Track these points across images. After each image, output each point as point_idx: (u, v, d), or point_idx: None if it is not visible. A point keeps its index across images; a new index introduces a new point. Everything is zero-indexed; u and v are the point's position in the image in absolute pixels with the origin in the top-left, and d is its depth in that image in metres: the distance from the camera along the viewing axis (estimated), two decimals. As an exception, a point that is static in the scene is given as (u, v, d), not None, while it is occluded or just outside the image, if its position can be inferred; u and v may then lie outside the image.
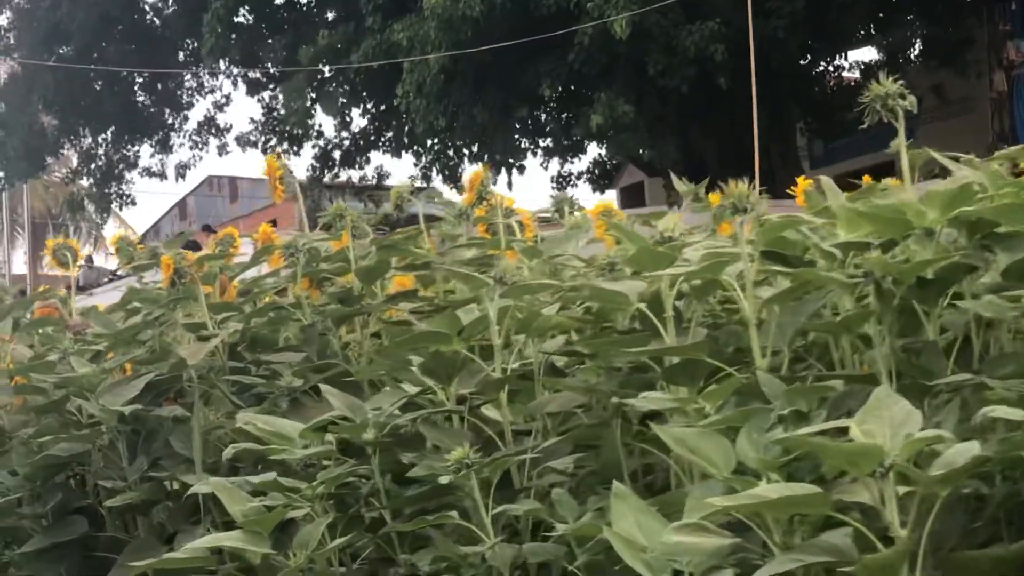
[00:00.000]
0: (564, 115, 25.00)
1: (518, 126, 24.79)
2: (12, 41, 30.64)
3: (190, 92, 32.56)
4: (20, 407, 4.45)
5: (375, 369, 3.27)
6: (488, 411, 3.07)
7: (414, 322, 4.04)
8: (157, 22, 31.15)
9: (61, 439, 3.86)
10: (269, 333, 4.15)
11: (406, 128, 27.92)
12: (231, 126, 33.11)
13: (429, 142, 24.64)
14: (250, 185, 50.53)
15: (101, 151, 31.94)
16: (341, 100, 26.26)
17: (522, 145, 25.43)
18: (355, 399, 3.05)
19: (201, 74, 32.04)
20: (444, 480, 2.67)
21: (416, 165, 30.86)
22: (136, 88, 31.81)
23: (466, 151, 24.83)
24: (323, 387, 3.10)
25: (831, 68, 28.61)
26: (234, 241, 4.43)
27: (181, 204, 49.11)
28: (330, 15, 27.53)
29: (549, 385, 2.98)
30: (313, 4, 28.15)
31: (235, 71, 30.70)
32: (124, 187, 31.64)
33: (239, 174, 50.70)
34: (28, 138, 28.87)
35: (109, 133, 31.60)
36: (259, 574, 2.88)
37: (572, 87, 23.51)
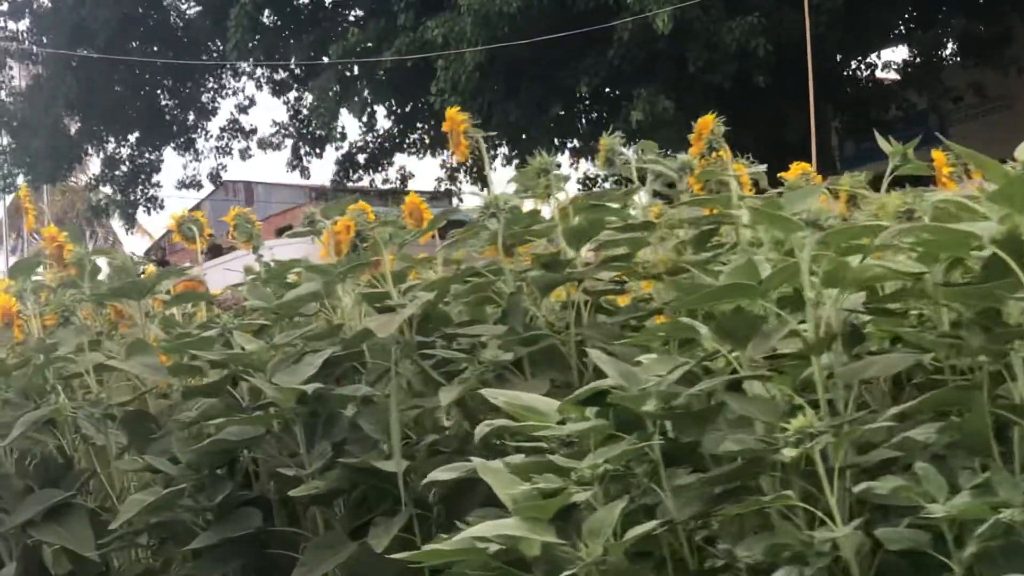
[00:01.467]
0: (598, 114, 24.56)
1: (553, 125, 24.33)
2: (34, 44, 30.21)
3: (212, 95, 32.12)
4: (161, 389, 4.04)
5: (657, 331, 2.83)
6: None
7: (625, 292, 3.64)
8: (180, 23, 30.72)
9: (233, 422, 3.44)
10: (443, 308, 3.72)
11: (432, 129, 27.52)
12: (255, 128, 32.55)
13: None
14: (265, 190, 50.20)
15: (124, 154, 31.48)
16: (368, 99, 25.77)
17: (556, 144, 24.99)
18: (628, 367, 2.62)
19: (224, 76, 31.61)
20: (778, 456, 2.24)
21: (442, 167, 30.51)
22: (160, 91, 31.38)
23: (498, 151, 24.39)
24: (593, 352, 2.67)
25: (863, 67, 28.16)
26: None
27: (196, 209, 48.64)
28: (356, 13, 27.09)
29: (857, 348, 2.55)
30: (340, 2, 27.72)
31: (259, 72, 30.28)
32: (150, 190, 31.12)
33: (253, 178, 50.43)
34: (53, 140, 28.42)
35: (133, 137, 31.16)
36: (534, 568, 2.45)
37: (610, 84, 23.07)
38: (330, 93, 25.24)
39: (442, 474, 2.71)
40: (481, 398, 3.38)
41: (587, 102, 24.48)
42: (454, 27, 21.65)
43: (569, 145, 25.94)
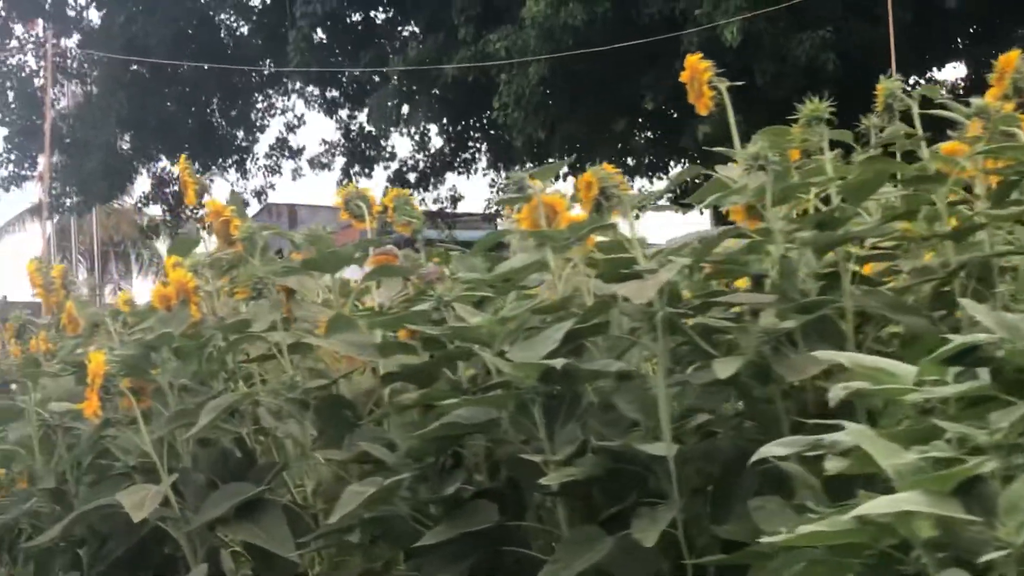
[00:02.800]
0: (662, 130, 24.20)
1: (619, 142, 23.97)
2: (85, 61, 30.02)
3: (261, 114, 31.84)
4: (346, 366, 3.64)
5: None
6: None
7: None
8: (231, 41, 30.48)
9: (466, 403, 3.03)
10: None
11: (489, 146, 27.22)
12: (304, 147, 32.25)
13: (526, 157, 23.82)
14: (309, 212, 49.90)
15: (175, 173, 31.18)
16: (426, 117, 25.45)
17: (622, 160, 24.62)
18: (1010, 318, 2.20)
19: (273, 95, 31.36)
20: None
21: (492, 187, 30.13)
22: (210, 109, 31.13)
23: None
24: (965, 302, 2.26)
25: (924, 82, 27.69)
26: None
27: (240, 232, 48.37)
28: (413, 29, 26.80)
29: None
30: (396, 18, 27.43)
31: (309, 91, 29.99)
32: (200, 210, 30.73)
33: (297, 201, 50.14)
34: (106, 159, 28.14)
35: (183, 155, 30.85)
36: (923, 554, 2.04)
37: (675, 99, 22.68)
38: (388, 105, 24.91)
39: (777, 449, 2.30)
40: (755, 371, 3.00)
41: (651, 117, 24.10)
42: (517, 40, 21.33)
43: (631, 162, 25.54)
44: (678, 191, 10.01)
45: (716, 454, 3.00)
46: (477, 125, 26.53)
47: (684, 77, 3.38)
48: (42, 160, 29.29)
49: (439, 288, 3.35)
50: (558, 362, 2.95)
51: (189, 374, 3.61)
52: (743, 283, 3.29)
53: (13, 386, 3.94)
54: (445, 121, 26.47)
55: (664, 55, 21.11)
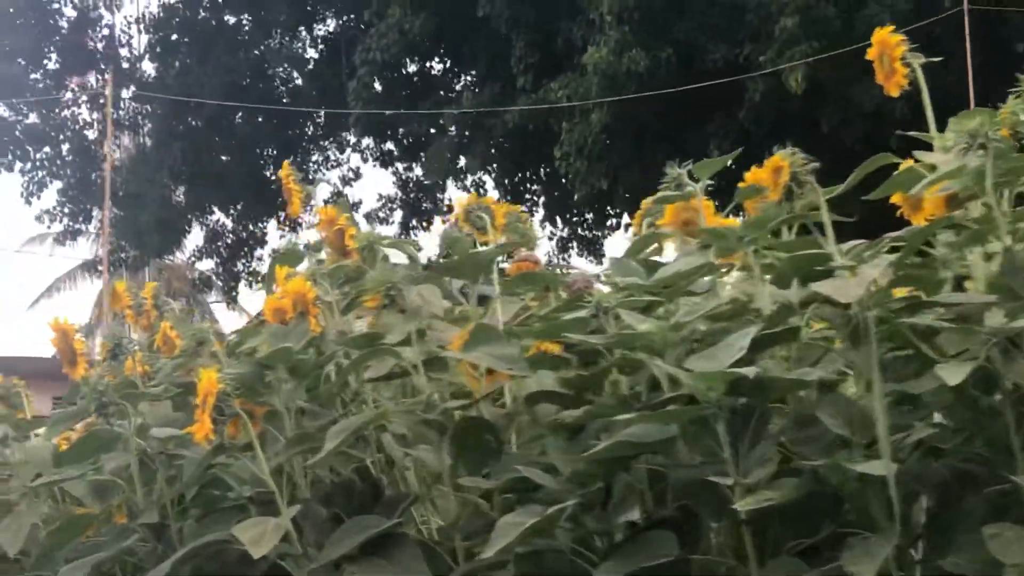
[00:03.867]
0: (726, 179, 23.81)
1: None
2: (139, 113, 29.94)
3: (316, 167, 31.66)
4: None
5: None
6: None
7: None
8: (285, 93, 30.36)
9: (646, 418, 2.63)
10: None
11: (546, 196, 26.92)
12: (361, 201, 32.03)
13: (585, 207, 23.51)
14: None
15: (229, 227, 31.07)
16: (483, 168, 25.16)
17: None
18: None
19: (329, 147, 31.18)
20: None
21: (551, 238, 29.77)
22: (264, 161, 30.97)
23: (622, 219, 23.72)
24: None
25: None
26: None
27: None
28: (467, 80, 26.57)
29: None
30: (452, 69, 27.21)
31: (365, 143, 29.79)
32: (253, 264, 30.69)
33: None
34: (161, 212, 27.94)
35: (237, 208, 30.72)
36: None
37: (739, 147, 22.34)
38: (444, 156, 24.68)
39: None
40: (979, 379, 2.60)
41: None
42: (578, 88, 21.04)
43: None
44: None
45: (932, 474, 2.61)
46: (534, 177, 26.22)
47: (872, 54, 2.99)
48: (99, 213, 29.15)
49: (598, 294, 2.97)
50: (750, 370, 2.56)
51: (305, 395, 3.24)
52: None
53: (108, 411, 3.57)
54: (501, 172, 26.16)
55: (728, 103, 20.79)
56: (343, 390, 3.27)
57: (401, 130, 28.15)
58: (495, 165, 25.82)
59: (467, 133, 24.73)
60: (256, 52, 28.98)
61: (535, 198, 28.34)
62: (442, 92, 26.81)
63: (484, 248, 3.18)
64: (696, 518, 2.78)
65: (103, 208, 27.65)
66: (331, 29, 29.77)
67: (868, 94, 20.42)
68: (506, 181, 27.97)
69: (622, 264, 3.16)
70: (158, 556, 3.23)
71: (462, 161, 25.66)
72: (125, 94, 30.67)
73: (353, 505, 3.21)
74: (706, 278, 3.07)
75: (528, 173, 25.73)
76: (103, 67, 29.66)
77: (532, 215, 29.05)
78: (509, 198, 28.91)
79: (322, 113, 29.95)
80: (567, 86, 21.27)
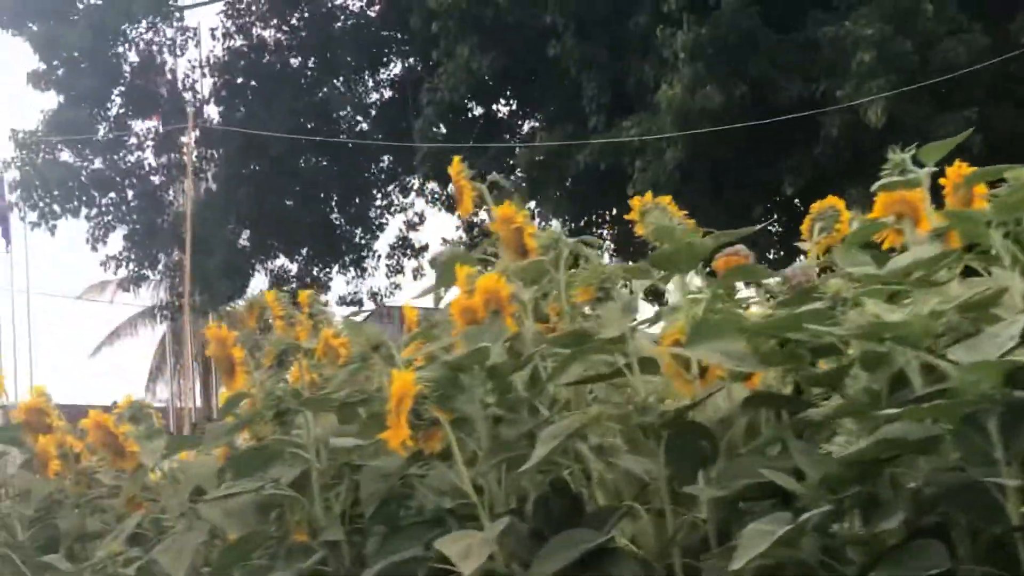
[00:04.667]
0: (801, 217, 23.48)
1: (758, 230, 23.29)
2: (205, 158, 29.89)
3: (380, 211, 31.48)
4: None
5: None
6: None
7: None
8: (350, 136, 30.25)
9: (911, 413, 2.37)
10: None
11: (614, 239, 26.66)
12: (427, 246, 31.83)
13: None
14: (424, 314, 49.51)
15: (293, 271, 30.94)
16: (553, 211, 24.91)
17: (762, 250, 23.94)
18: None
19: (393, 192, 31.05)
20: None
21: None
22: (328, 206, 30.84)
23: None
24: None
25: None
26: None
27: (350, 333, 48.10)
28: (534, 123, 26.38)
29: None
30: (519, 112, 27.04)
31: (430, 187, 29.63)
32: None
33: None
34: (228, 257, 27.76)
35: (302, 254, 30.59)
36: None
37: (815, 183, 22.06)
38: (514, 198, 24.40)
39: None
40: None
41: (791, 202, 23.45)
42: (651, 127, 20.82)
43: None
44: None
45: None
46: (599, 220, 25.99)
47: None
48: (164, 258, 29.08)
49: (831, 285, 2.71)
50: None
51: (499, 400, 2.99)
52: None
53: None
54: (571, 214, 25.93)
55: (804, 139, 20.53)
56: (539, 395, 3.03)
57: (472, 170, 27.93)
58: (565, 207, 25.52)
59: (536, 175, 24.49)
60: (321, 95, 28.89)
61: (603, 241, 28.10)
62: (508, 135, 26.63)
63: (699, 238, 2.92)
64: (960, 526, 2.52)
65: (183, 249, 27.48)
66: (397, 71, 29.70)
67: (945, 128, 20.12)
68: (572, 225, 27.76)
69: (850, 255, 2.91)
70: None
71: (530, 202, 25.38)
72: (186, 138, 30.61)
73: (553, 519, 2.97)
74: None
75: (594, 216, 25.50)
76: (167, 111, 29.61)
77: (600, 254, 28.79)
78: (581, 233, 28.62)
79: (386, 157, 29.86)
80: (639, 124, 21.05)
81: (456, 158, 3.69)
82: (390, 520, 3.11)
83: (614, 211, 23.51)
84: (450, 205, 29.85)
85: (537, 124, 26.84)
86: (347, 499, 3.00)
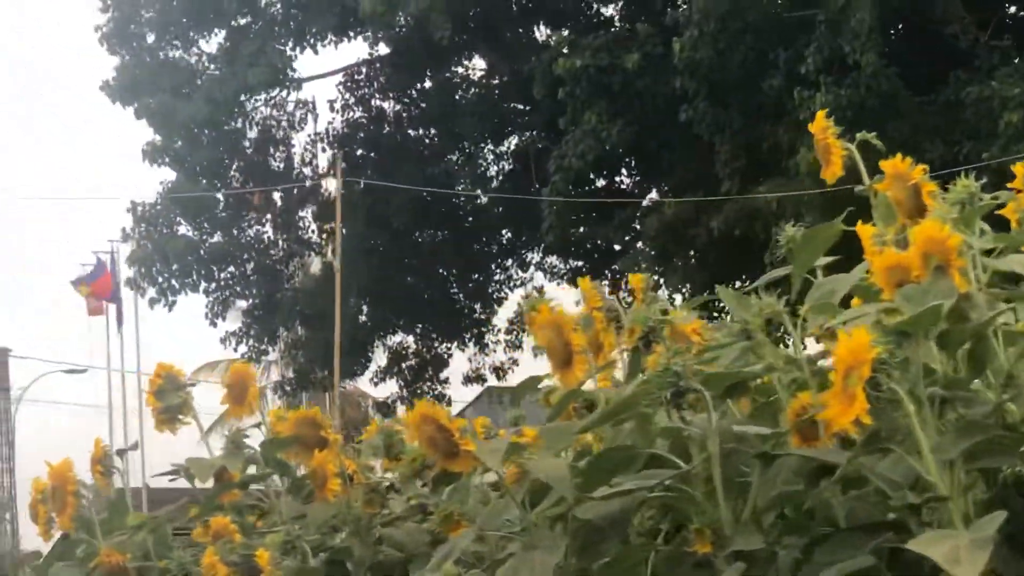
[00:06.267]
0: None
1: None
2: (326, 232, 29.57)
3: (499, 286, 30.96)
4: None
5: None
6: None
7: None
8: (469, 210, 29.91)
9: None
10: None
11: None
12: (549, 321, 31.16)
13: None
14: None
15: (411, 348, 30.45)
16: (682, 281, 24.31)
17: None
18: None
19: (512, 266, 30.56)
20: None
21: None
22: (448, 282, 30.42)
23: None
24: None
25: None
26: None
27: (460, 416, 47.56)
28: (662, 187, 25.84)
29: None
30: (642, 183, 26.53)
31: (550, 260, 29.15)
32: (438, 387, 30.00)
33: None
34: (351, 332, 27.25)
35: (420, 328, 30.14)
36: None
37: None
38: (639, 269, 23.86)
39: None
40: None
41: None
42: (789, 191, 20.25)
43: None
44: None
45: None
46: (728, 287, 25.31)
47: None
48: (284, 333, 28.72)
49: None
50: None
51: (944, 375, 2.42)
52: None
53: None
54: (698, 286, 25.28)
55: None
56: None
57: (588, 246, 27.45)
58: (692, 278, 24.87)
59: (665, 245, 23.92)
60: (440, 167, 28.50)
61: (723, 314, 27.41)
62: (629, 205, 26.13)
63: None
64: None
65: (305, 324, 26.96)
66: (518, 143, 29.28)
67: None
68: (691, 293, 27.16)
69: None
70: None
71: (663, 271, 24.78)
72: (303, 212, 30.37)
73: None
74: None
75: (729, 285, 24.83)
76: (286, 184, 29.35)
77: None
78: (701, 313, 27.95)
79: (506, 231, 29.45)
80: (776, 189, 20.47)
81: (820, 114, 3.16)
82: (797, 524, 2.56)
83: (744, 279, 22.82)
84: (571, 279, 29.37)
85: (658, 195, 26.29)
86: (761, 497, 2.42)
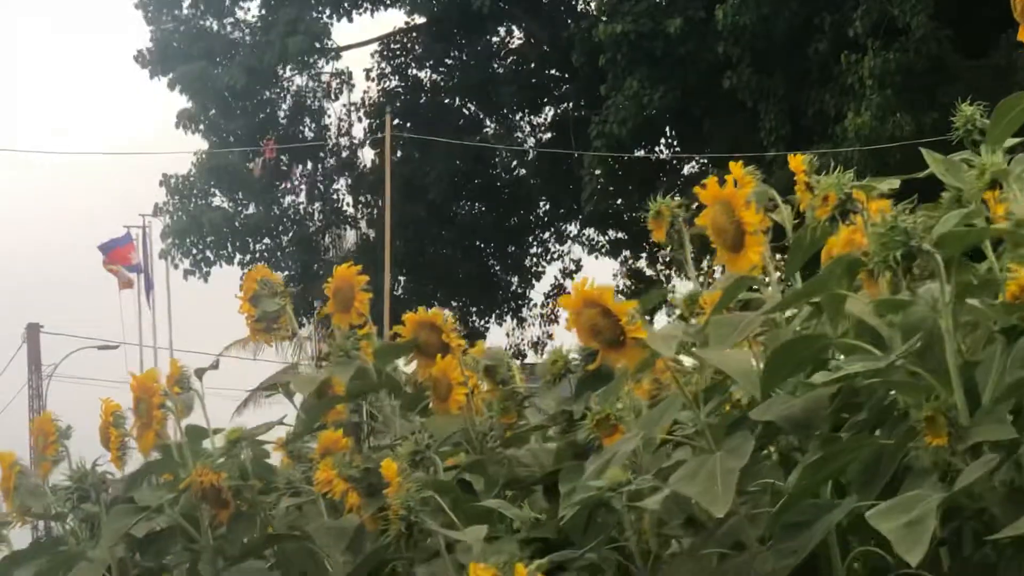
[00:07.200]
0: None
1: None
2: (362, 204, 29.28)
3: (536, 259, 30.55)
4: None
5: None
6: None
7: None
8: (507, 181, 29.54)
9: None
10: None
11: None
12: (584, 293, 30.80)
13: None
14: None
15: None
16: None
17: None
18: None
19: (549, 239, 30.18)
20: None
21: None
22: (486, 254, 30.04)
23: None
24: None
25: None
26: None
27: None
28: (701, 159, 25.44)
29: None
30: (683, 153, 26.13)
31: (587, 233, 28.78)
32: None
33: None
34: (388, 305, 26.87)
35: (458, 302, 29.75)
36: None
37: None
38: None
39: None
40: None
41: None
42: (836, 156, 19.86)
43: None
44: None
45: None
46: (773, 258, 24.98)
47: None
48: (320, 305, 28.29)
49: None
50: None
51: None
52: None
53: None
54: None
55: (1005, 164, 19.55)
56: None
57: (626, 217, 27.06)
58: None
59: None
60: (478, 138, 28.12)
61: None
62: (669, 176, 25.74)
63: None
64: None
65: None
66: (556, 112, 28.91)
67: None
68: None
69: None
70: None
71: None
72: (338, 184, 30.04)
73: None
74: None
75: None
76: (321, 156, 29.03)
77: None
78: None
79: (543, 203, 29.08)
80: (823, 156, 20.09)
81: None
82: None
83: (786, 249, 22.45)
84: (611, 250, 28.96)
85: (697, 168, 25.90)
86: (1009, 377, 2.06)
